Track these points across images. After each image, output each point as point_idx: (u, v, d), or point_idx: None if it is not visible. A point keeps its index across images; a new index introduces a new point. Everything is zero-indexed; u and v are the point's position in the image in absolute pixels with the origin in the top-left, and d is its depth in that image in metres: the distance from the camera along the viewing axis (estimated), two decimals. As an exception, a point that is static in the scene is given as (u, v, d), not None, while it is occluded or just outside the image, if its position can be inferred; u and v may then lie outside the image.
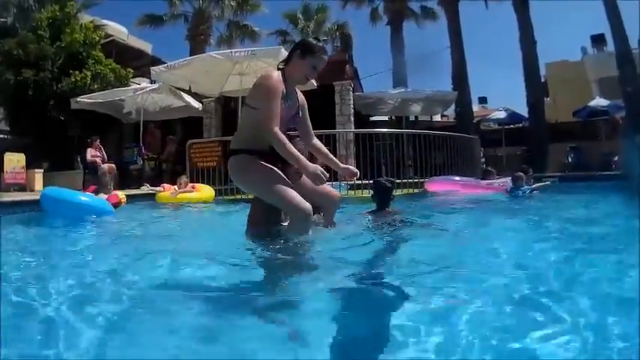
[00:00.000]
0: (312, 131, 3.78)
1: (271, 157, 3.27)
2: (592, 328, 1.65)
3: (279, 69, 3.46)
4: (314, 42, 3.46)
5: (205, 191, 9.62)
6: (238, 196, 10.34)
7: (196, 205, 8.77)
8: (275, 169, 3.29)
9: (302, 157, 3.14)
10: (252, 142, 3.32)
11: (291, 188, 3.24)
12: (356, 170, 3.73)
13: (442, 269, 2.69)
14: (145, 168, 14.27)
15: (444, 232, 4.32)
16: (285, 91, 3.29)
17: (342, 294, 2.26)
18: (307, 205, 3.21)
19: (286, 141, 3.11)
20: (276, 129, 3.10)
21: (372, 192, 5.18)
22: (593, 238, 3.80)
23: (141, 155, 14.17)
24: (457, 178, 10.33)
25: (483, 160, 17.05)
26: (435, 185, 10.06)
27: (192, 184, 9.65)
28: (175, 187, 9.51)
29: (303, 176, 3.40)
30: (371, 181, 9.79)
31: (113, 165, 13.10)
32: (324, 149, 3.86)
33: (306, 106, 3.73)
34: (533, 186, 8.92)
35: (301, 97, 3.67)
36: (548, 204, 7.67)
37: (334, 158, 3.90)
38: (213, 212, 8.09)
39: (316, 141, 3.83)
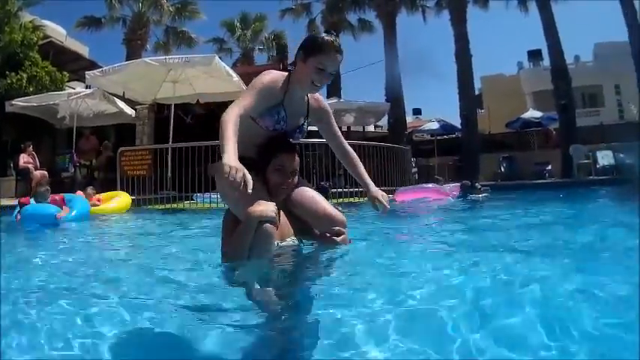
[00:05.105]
0: (343, 142, 3.21)
1: (250, 166, 2.51)
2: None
3: (287, 71, 2.90)
4: (320, 37, 2.77)
5: (116, 202, 9.30)
6: (169, 206, 10.42)
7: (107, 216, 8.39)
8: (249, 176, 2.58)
9: (228, 147, 2.30)
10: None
11: (263, 198, 2.62)
12: (387, 205, 3.07)
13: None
14: (76, 175, 13.99)
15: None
16: (280, 96, 2.79)
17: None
18: (259, 209, 2.53)
19: (228, 123, 2.40)
20: (230, 111, 2.48)
21: None
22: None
23: (72, 162, 13.87)
24: (430, 185, 11.40)
25: (415, 169, 17.54)
26: (405, 195, 10.65)
27: (98, 196, 9.24)
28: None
29: (297, 194, 2.92)
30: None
31: (45, 172, 12.87)
32: (357, 165, 3.19)
33: (328, 114, 3.15)
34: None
35: (317, 104, 3.06)
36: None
37: (366, 178, 3.17)
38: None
39: (349, 153, 3.22)
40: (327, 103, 3.20)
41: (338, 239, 2.90)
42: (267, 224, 2.51)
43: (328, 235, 2.91)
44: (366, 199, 3.43)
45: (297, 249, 2.89)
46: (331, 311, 1.88)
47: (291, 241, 2.86)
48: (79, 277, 2.81)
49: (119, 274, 2.89)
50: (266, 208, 2.52)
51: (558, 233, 4.18)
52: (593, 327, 1.57)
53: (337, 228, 2.92)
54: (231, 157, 2.23)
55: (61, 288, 2.49)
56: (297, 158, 2.89)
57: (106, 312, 1.98)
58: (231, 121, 2.41)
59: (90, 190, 9.24)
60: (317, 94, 3.05)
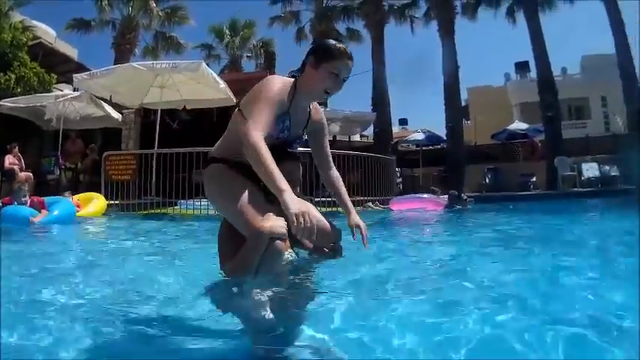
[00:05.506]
0: (330, 159, 3.08)
1: (250, 170, 2.35)
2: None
3: (292, 77, 2.73)
4: (331, 43, 2.66)
5: (94, 206, 9.48)
6: (152, 212, 10.43)
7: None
8: (248, 182, 2.55)
9: (281, 184, 2.14)
10: (231, 151, 2.63)
11: (267, 209, 2.45)
12: (366, 232, 2.89)
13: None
14: (61, 178, 13.95)
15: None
16: (287, 104, 2.61)
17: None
18: (268, 225, 2.34)
19: (262, 151, 2.20)
20: (255, 133, 2.26)
21: None
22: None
23: (58, 165, 13.88)
24: (426, 195, 12.15)
25: (400, 180, 17.63)
26: (400, 204, 11.23)
27: (75, 200, 9.30)
28: None
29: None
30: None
31: (30, 174, 12.81)
32: (340, 188, 3.07)
33: (324, 127, 3.03)
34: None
35: (317, 115, 2.93)
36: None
37: (348, 202, 3.04)
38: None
39: (333, 172, 3.08)
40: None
41: (333, 254, 2.87)
42: (278, 241, 2.38)
43: (326, 249, 2.86)
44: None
45: (295, 263, 2.79)
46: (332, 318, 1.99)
47: (288, 255, 2.71)
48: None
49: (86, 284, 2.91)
50: (276, 223, 2.35)
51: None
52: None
53: (331, 245, 2.87)
54: (292, 198, 2.10)
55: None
56: (300, 167, 2.84)
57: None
58: (263, 146, 2.22)
59: (67, 194, 9.33)
60: (317, 105, 2.93)
